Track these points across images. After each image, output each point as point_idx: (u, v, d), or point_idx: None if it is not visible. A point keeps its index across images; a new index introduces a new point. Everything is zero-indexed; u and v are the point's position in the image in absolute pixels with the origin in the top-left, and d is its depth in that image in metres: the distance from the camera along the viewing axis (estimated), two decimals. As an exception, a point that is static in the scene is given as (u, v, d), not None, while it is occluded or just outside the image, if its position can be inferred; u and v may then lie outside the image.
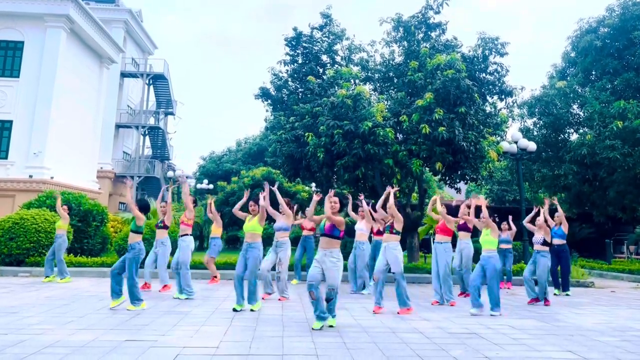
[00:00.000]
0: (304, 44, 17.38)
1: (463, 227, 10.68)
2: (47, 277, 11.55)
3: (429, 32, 16.72)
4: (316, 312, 6.73)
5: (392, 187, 8.53)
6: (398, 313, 8.02)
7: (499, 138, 16.51)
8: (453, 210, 10.22)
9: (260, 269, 9.34)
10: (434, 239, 9.71)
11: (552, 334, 6.81)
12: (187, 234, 9.77)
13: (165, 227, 10.18)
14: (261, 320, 7.19)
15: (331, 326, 6.78)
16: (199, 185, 39.14)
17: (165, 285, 10.25)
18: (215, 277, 12.08)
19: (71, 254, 13.99)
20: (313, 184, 22.53)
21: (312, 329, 6.63)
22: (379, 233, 10.64)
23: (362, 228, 10.55)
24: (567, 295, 11.38)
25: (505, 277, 12.66)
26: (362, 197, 9.74)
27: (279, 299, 9.39)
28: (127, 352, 5.24)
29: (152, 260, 10.44)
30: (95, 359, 4.96)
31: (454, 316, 8.04)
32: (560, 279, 11.64)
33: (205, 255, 11.92)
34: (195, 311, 7.89)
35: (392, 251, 8.07)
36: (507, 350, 5.79)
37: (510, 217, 12.53)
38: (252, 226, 8.23)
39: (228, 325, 6.77)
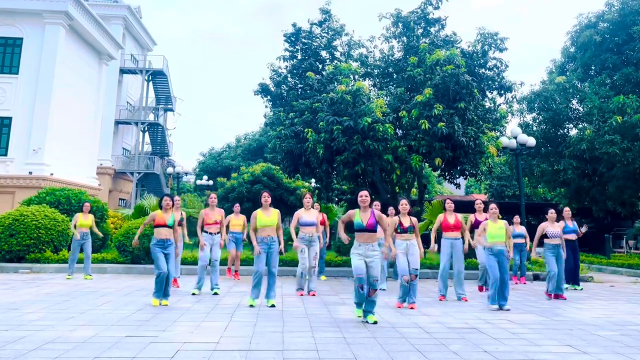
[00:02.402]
0: (303, 40, 17.38)
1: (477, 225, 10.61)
2: (87, 275, 11.72)
3: (428, 28, 16.71)
4: (360, 301, 6.94)
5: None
6: (411, 308, 8.23)
7: (498, 133, 16.53)
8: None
9: (303, 265, 9.37)
10: (441, 235, 9.63)
11: (551, 328, 6.83)
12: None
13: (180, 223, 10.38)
14: (261, 316, 7.21)
15: (375, 322, 6.80)
16: (198, 182, 39.18)
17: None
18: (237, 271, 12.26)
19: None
20: (313, 180, 22.53)
21: (368, 321, 6.80)
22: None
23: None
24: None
25: (519, 273, 12.69)
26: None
27: (312, 294, 9.47)
28: (128, 348, 5.26)
29: None
30: (96, 355, 4.98)
31: (454, 311, 8.06)
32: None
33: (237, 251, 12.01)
34: (195, 307, 7.91)
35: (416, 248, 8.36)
36: (506, 344, 5.81)
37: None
38: (272, 221, 8.23)
39: (228, 321, 6.79)
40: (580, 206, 24.06)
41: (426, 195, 28.33)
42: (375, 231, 6.93)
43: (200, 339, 5.75)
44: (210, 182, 36.39)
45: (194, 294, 9.27)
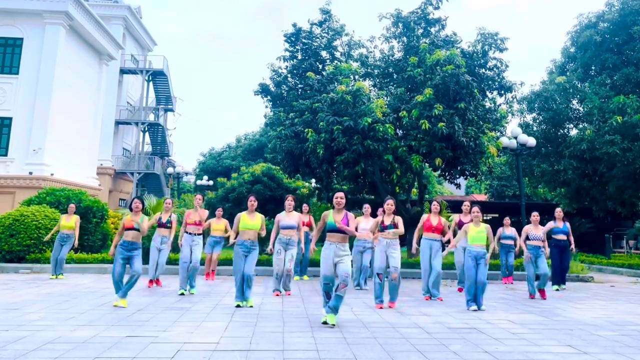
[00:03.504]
0: (303, 40, 17.37)
1: (460, 226, 10.70)
2: (59, 274, 11.65)
3: (429, 28, 16.71)
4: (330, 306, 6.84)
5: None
6: (389, 307, 8.23)
7: (498, 133, 16.52)
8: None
9: (279, 266, 9.43)
10: (421, 236, 9.71)
11: (551, 328, 6.83)
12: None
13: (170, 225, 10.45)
14: (261, 316, 7.21)
15: (334, 325, 6.70)
16: (198, 182, 39.17)
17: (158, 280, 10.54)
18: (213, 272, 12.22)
19: (71, 251, 14.01)
20: (313, 180, 22.52)
21: (327, 322, 6.68)
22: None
23: (365, 227, 10.50)
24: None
25: (507, 272, 12.71)
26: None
27: (287, 294, 9.53)
28: (128, 348, 5.26)
29: (156, 257, 10.45)
30: (96, 355, 4.98)
31: (454, 311, 8.07)
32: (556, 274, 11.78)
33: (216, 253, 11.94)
34: (195, 307, 7.92)
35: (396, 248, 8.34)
36: (506, 344, 5.81)
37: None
38: (256, 225, 8.17)
39: (228, 321, 6.79)
40: (581, 206, 24.05)
41: (426, 196, 28.33)
42: (346, 232, 6.93)
43: (200, 339, 5.76)
44: (211, 183, 36.38)
45: (182, 294, 9.26)
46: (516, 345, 5.77)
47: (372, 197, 18.35)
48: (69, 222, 11.75)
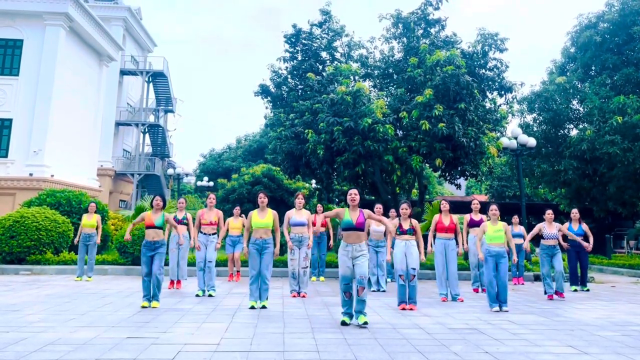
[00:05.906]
0: (303, 41, 17.39)
1: (477, 224, 10.43)
2: (89, 277, 11.64)
3: (429, 28, 16.74)
4: (348, 309, 6.88)
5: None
6: (410, 309, 8.17)
7: (498, 134, 16.54)
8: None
9: (294, 267, 9.44)
10: (435, 235, 9.60)
11: (552, 328, 6.82)
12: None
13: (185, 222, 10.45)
14: (262, 317, 7.20)
15: (365, 323, 6.72)
16: (199, 183, 39.19)
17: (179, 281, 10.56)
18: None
19: (72, 252, 14.01)
20: (313, 181, 22.52)
21: (358, 322, 6.72)
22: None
23: (378, 228, 10.54)
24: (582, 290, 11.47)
25: (517, 272, 12.65)
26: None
27: (302, 295, 9.43)
28: (129, 350, 5.25)
29: (176, 256, 10.47)
30: (97, 356, 4.98)
31: (455, 312, 8.06)
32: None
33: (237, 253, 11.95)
34: (196, 308, 7.91)
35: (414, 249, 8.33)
36: (507, 345, 5.80)
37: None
38: (266, 222, 8.14)
39: (229, 322, 6.79)
40: (581, 206, 24.01)
41: (427, 196, 28.33)
42: (363, 230, 6.89)
43: (201, 340, 5.75)
44: (211, 184, 36.40)
45: (197, 295, 9.29)
46: (517, 346, 5.76)
47: (373, 197, 18.36)
48: (90, 221, 11.72)
